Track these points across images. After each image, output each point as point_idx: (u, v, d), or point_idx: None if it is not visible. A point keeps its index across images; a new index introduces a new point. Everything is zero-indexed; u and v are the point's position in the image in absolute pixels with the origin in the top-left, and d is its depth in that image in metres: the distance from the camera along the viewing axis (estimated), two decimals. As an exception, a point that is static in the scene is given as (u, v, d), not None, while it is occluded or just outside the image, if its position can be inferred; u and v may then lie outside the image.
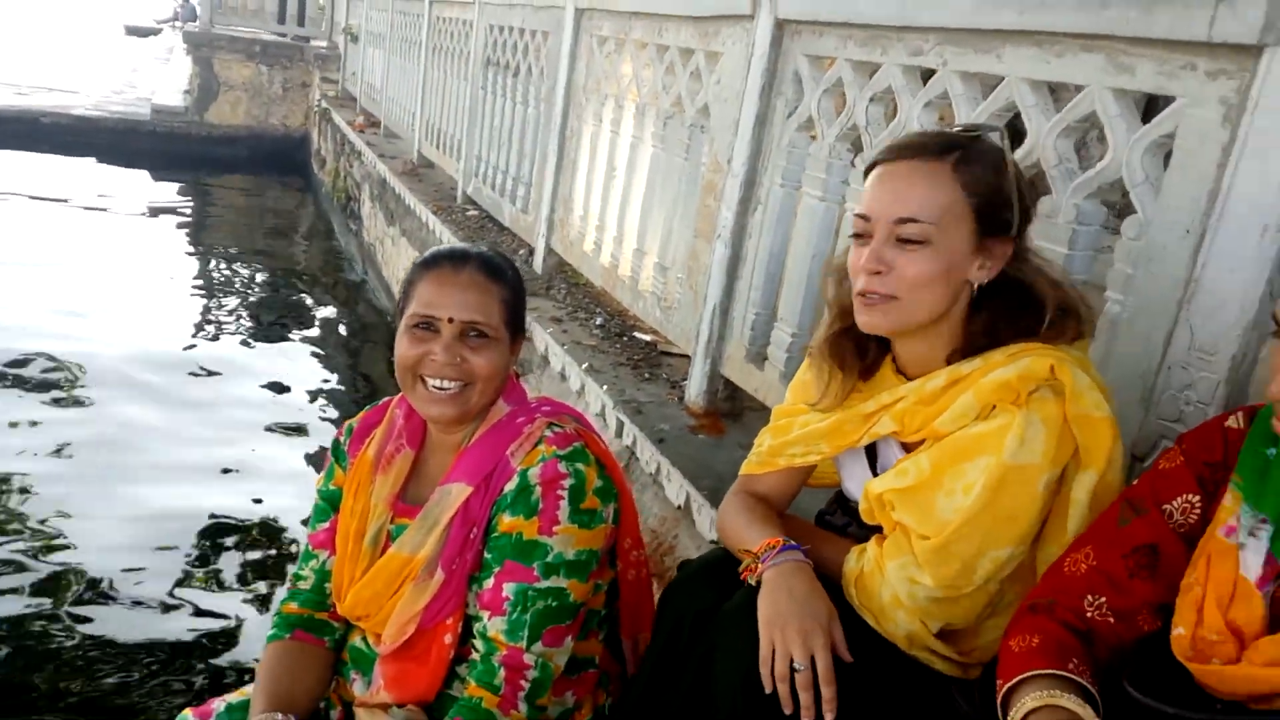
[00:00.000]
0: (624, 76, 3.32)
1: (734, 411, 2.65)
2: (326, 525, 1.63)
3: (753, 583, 1.33)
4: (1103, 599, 1.11)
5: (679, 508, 2.31)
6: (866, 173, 1.35)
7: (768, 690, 1.22)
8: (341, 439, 1.64)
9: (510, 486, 1.46)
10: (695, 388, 2.65)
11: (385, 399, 1.67)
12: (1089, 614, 1.11)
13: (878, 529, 1.40)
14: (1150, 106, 1.67)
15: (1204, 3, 1.34)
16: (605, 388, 2.77)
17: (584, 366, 2.93)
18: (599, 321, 3.33)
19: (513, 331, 1.54)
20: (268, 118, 12.54)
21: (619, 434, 2.66)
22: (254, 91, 12.47)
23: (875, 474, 1.42)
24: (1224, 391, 1.34)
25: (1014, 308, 1.29)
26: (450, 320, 1.46)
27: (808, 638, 1.21)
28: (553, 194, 3.86)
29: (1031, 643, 1.08)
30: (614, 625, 1.68)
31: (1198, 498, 1.10)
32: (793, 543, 1.35)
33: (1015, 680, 1.05)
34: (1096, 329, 1.50)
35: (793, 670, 1.20)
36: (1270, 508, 1.03)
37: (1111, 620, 1.11)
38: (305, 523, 1.87)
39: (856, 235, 1.31)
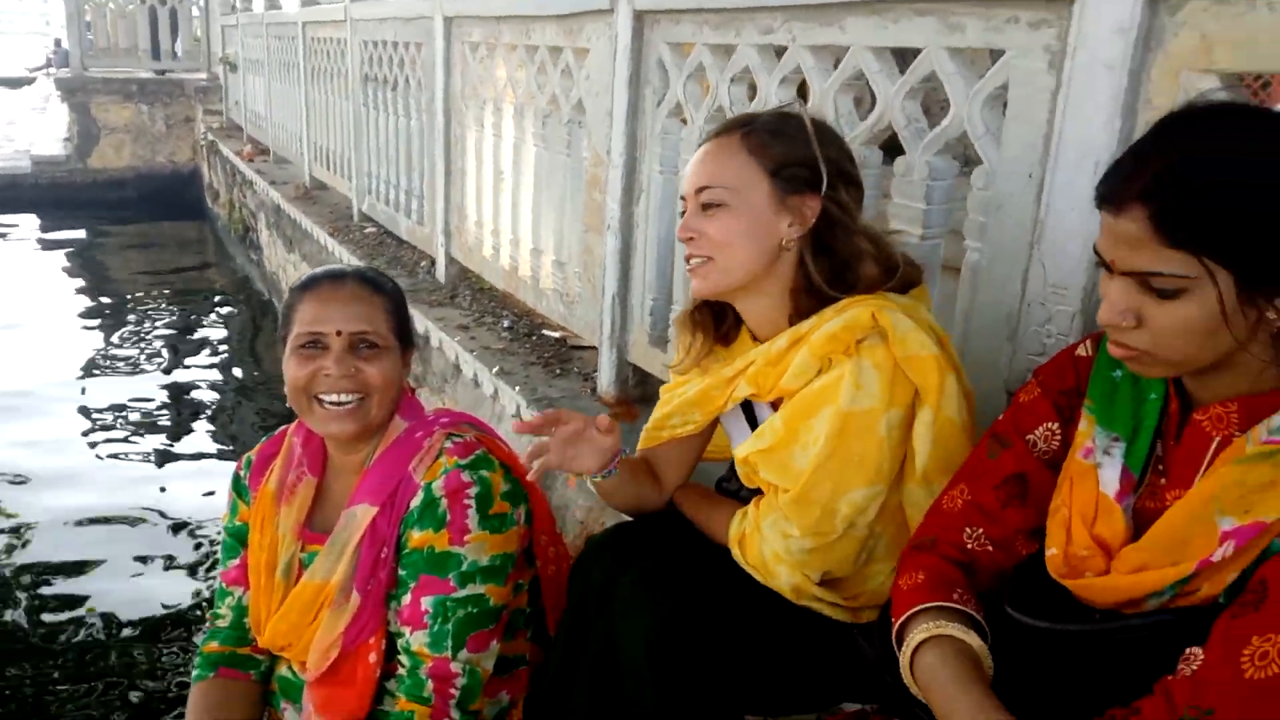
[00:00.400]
0: (499, 80, 3.32)
1: (646, 396, 2.69)
2: (237, 561, 1.62)
3: (595, 482, 1.54)
4: (980, 530, 1.18)
5: (601, 498, 2.34)
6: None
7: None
8: (241, 473, 1.63)
9: (416, 502, 1.47)
10: (605, 378, 2.69)
11: (281, 428, 1.66)
12: (969, 545, 1.18)
13: (759, 491, 1.46)
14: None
15: (1017, -41, 1.41)
16: (518, 389, 2.79)
17: (495, 370, 2.94)
18: (507, 324, 3.33)
19: (402, 343, 1.55)
20: (154, 157, 12.16)
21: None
22: (136, 132, 12.08)
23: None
24: (1079, 323, 1.42)
25: (838, 266, 1.39)
26: (338, 333, 1.46)
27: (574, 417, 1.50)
28: (446, 203, 3.84)
29: (917, 579, 1.14)
30: (541, 621, 1.71)
31: (1057, 425, 1.17)
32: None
33: (905, 616, 1.11)
34: (962, 276, 1.59)
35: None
36: (1121, 426, 1.10)
37: (990, 549, 1.18)
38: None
39: (681, 215, 1.43)
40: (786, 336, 1.39)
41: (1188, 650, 0.93)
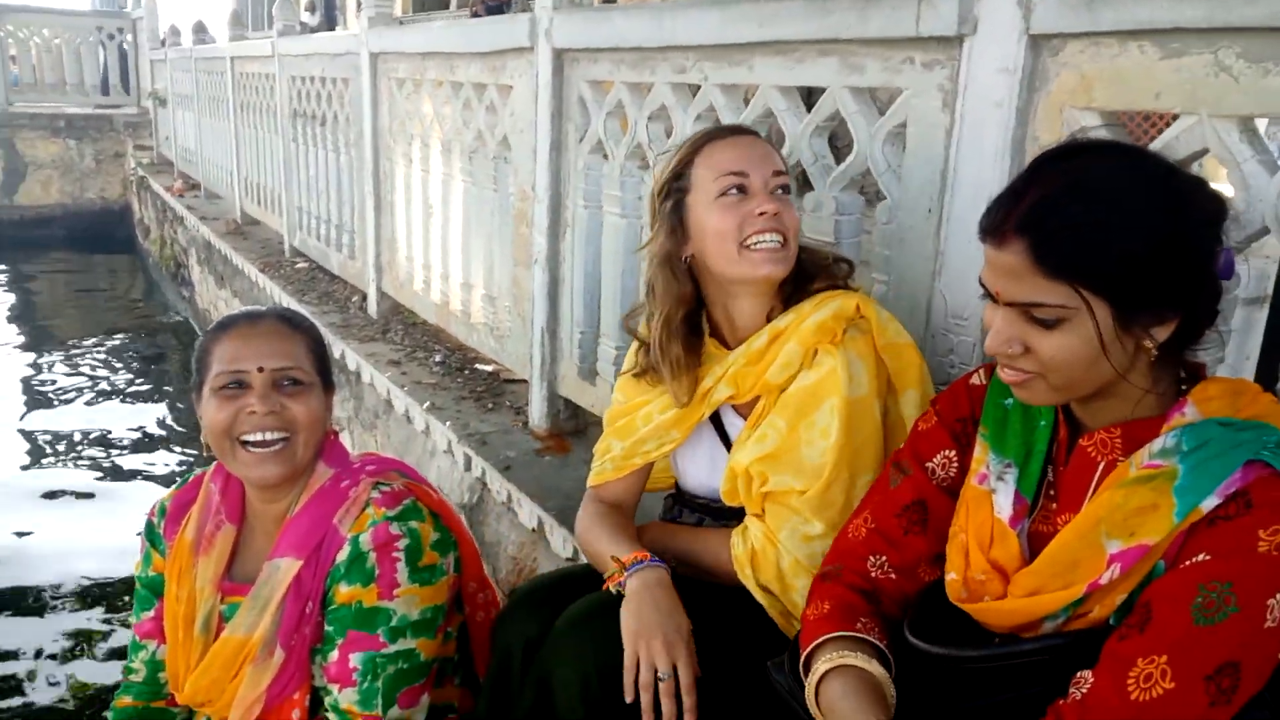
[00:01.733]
0: (426, 115, 3.33)
1: (577, 429, 2.70)
2: (151, 614, 1.58)
3: (613, 590, 1.38)
4: (883, 558, 1.21)
5: (533, 531, 2.34)
6: (698, 146, 1.44)
7: (629, 699, 1.27)
8: (154, 520, 1.59)
9: (342, 556, 1.42)
10: (537, 411, 2.69)
11: (197, 474, 1.62)
12: (873, 574, 1.21)
13: (734, 514, 1.46)
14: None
15: (909, 3, 1.47)
16: (449, 424, 2.78)
17: (426, 406, 2.93)
18: (439, 359, 3.32)
19: (324, 382, 1.52)
20: (83, 193, 11.87)
21: (468, 467, 2.67)
22: (64, 168, 11.78)
23: (728, 447, 1.48)
24: (980, 352, 1.47)
25: (805, 265, 1.44)
26: (260, 370, 1.43)
27: (672, 649, 1.27)
28: (376, 237, 3.83)
29: (824, 609, 1.17)
30: (470, 667, 1.69)
31: (954, 452, 1.21)
32: (656, 558, 1.42)
33: (811, 646, 1.13)
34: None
35: (658, 680, 1.27)
36: (1013, 452, 1.14)
37: (894, 576, 1.20)
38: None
39: (730, 191, 1.38)
40: (767, 333, 1.41)
41: (1079, 673, 0.96)
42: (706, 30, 1.89)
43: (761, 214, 1.35)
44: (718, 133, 1.46)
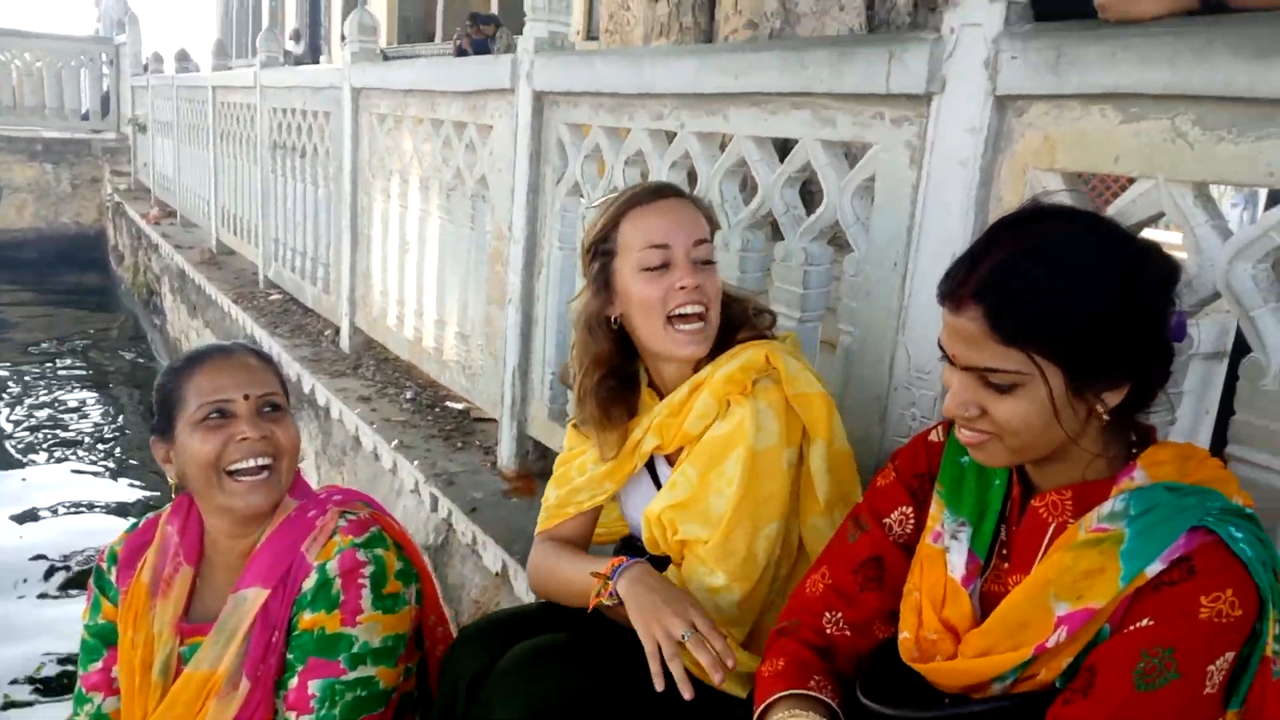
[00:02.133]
0: (406, 151, 3.34)
1: (545, 470, 2.66)
2: (99, 665, 1.54)
3: (607, 602, 1.36)
4: (839, 614, 1.20)
5: (497, 574, 2.32)
6: (624, 210, 1.44)
7: (660, 687, 1.23)
8: (105, 567, 1.55)
9: (309, 584, 1.42)
10: (506, 452, 2.67)
11: (149, 517, 1.60)
12: (828, 630, 1.20)
13: (665, 561, 1.46)
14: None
15: (880, 59, 1.50)
16: (416, 463, 2.76)
17: (394, 444, 2.91)
18: (409, 395, 3.30)
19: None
20: (57, 217, 11.78)
21: (434, 508, 2.65)
22: (40, 191, 11.70)
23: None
24: (941, 406, 1.48)
25: (731, 315, 1.47)
26: (246, 397, 1.44)
27: (682, 612, 1.26)
28: (352, 272, 3.82)
29: (778, 665, 1.16)
30: (428, 704, 1.67)
31: (911, 509, 1.21)
32: (631, 556, 1.41)
33: (765, 704, 1.12)
34: (836, 358, 1.65)
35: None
36: (968, 511, 1.14)
37: (849, 633, 1.20)
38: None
39: (653, 264, 1.40)
40: (687, 385, 1.44)
41: None
42: (683, 79, 1.91)
43: (682, 288, 1.38)
44: (644, 196, 1.46)
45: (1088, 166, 1.28)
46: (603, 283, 1.46)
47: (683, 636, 1.24)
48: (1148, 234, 1.28)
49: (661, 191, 1.47)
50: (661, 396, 1.50)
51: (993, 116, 1.37)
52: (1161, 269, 1.00)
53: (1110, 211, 1.24)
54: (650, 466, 1.53)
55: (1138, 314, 0.97)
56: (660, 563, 1.47)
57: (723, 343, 1.45)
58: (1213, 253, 1.14)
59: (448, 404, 3.20)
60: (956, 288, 1.01)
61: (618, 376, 1.50)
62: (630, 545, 1.62)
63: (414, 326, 3.33)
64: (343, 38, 3.84)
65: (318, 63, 16.90)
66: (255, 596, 1.43)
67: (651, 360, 1.50)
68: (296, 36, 18.46)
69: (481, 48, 10.60)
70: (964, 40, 1.38)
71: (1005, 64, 1.33)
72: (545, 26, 2.46)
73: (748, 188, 1.93)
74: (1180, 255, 1.15)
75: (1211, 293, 1.15)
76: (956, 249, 1.42)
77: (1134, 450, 1.04)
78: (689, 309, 1.39)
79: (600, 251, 1.46)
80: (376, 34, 3.80)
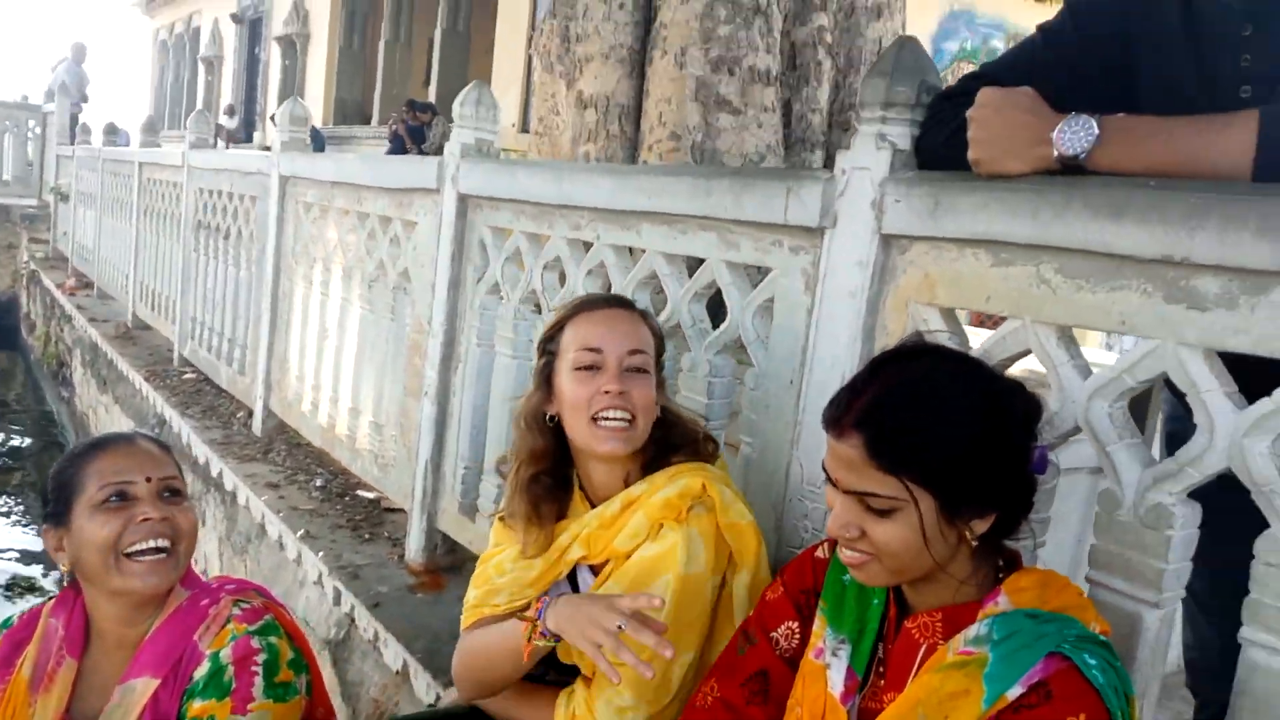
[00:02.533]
0: (330, 240, 3.37)
1: (454, 565, 2.66)
2: (-33, 767, 1.47)
3: (541, 644, 1.34)
4: (726, 727, 1.23)
5: (397, 673, 2.28)
6: (570, 314, 1.51)
7: (616, 681, 1.23)
8: (-21, 665, 1.51)
9: (201, 672, 1.40)
10: (414, 544, 2.65)
11: (30, 610, 1.56)
12: (716, 743, 1.23)
13: (574, 670, 1.46)
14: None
15: (779, 193, 1.60)
16: (321, 554, 2.71)
17: (300, 533, 2.86)
18: (320, 483, 3.26)
19: None
20: (-31, 280, 11.39)
21: (337, 601, 2.60)
22: (-47, 255, 11.33)
23: None
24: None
25: (671, 435, 1.50)
26: (148, 479, 1.45)
27: (610, 606, 1.25)
28: (269, 355, 3.79)
29: None
30: None
31: (796, 624, 1.25)
32: (549, 593, 1.43)
33: None
34: (737, 465, 1.70)
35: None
36: (848, 628, 1.19)
37: (736, 747, 1.22)
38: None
39: (582, 365, 1.45)
40: (620, 500, 1.45)
41: None
42: (600, 195, 2.00)
43: (607, 392, 1.42)
44: (591, 304, 1.53)
45: (963, 304, 1.38)
46: (545, 379, 1.51)
47: (619, 626, 1.24)
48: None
49: (610, 301, 1.55)
50: (592, 503, 1.52)
51: (879, 253, 1.47)
52: (1025, 407, 1.10)
53: (982, 348, 1.34)
54: (572, 574, 1.53)
55: (1003, 449, 1.06)
56: (571, 672, 1.47)
57: (660, 461, 1.48)
58: (1074, 391, 1.24)
59: (359, 493, 3.17)
60: (840, 416, 1.09)
61: (552, 475, 1.53)
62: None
63: (329, 413, 3.31)
64: (273, 118, 3.89)
65: (251, 139, 16.91)
66: (145, 686, 1.41)
67: (583, 463, 1.52)
68: (231, 112, 18.45)
69: (417, 134, 10.77)
70: (854, 182, 1.49)
71: (890, 206, 1.43)
72: (472, 134, 2.55)
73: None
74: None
75: (1072, 427, 1.24)
76: (845, 372, 1.51)
77: (1000, 575, 1.11)
78: (611, 414, 1.43)
79: (546, 350, 1.52)
80: (307, 124, 3.86)
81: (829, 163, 2.39)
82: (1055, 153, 1.21)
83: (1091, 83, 1.39)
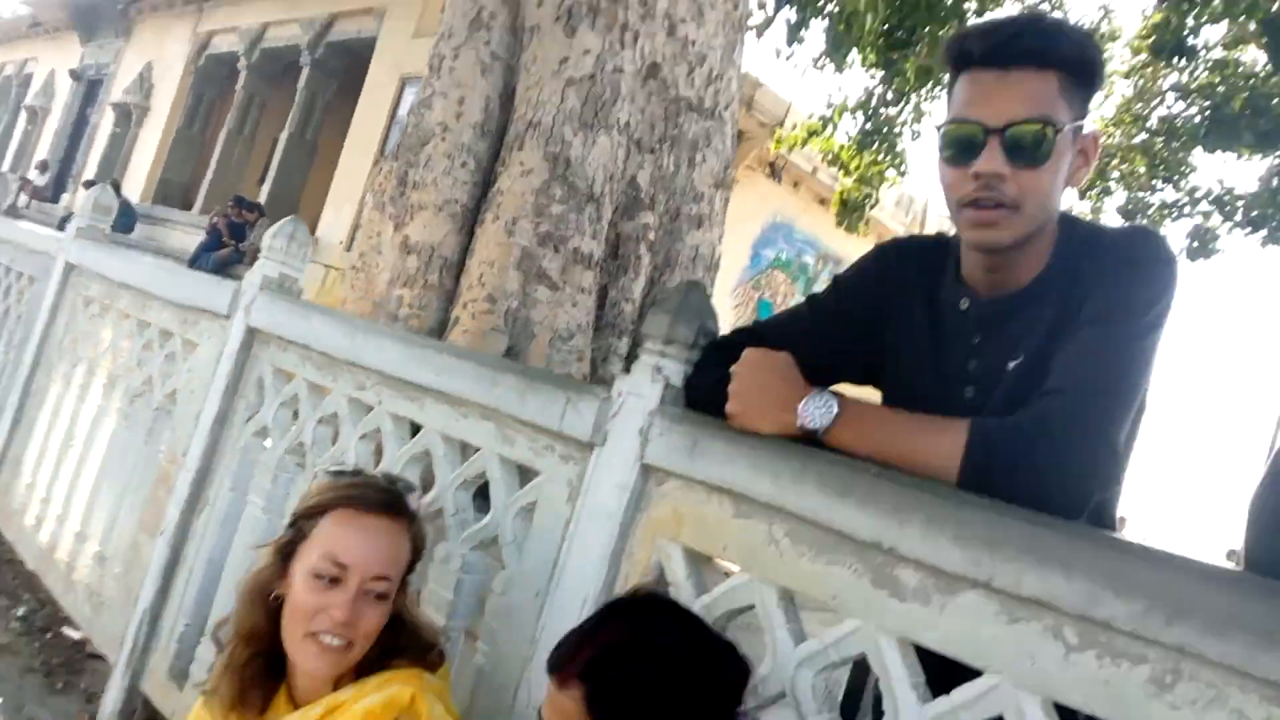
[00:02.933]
0: (103, 342, 3.14)
1: (152, 734, 2.39)
2: None
3: None
4: None
5: None
6: (335, 503, 1.42)
7: None
8: None
9: None
10: (110, 705, 2.37)
11: None
12: None
13: None
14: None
15: (559, 400, 1.62)
16: (1, 701, 2.37)
17: (-19, 671, 2.50)
18: (22, 612, 2.88)
19: None
20: None
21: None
22: None
23: None
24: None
25: (400, 638, 1.43)
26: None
27: None
28: (3, 455, 3.41)
29: None
30: None
31: None
32: None
33: None
34: (469, 674, 1.64)
35: None
36: None
37: None
38: None
39: (324, 578, 1.36)
40: (324, 704, 1.36)
41: None
42: (388, 360, 1.97)
43: (333, 617, 1.35)
44: (360, 501, 1.42)
45: (703, 548, 1.42)
46: (284, 556, 1.41)
47: None
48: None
49: (382, 506, 1.43)
50: (294, 702, 1.42)
51: (639, 479, 1.50)
52: (736, 673, 1.15)
53: (711, 598, 1.37)
54: None
55: (711, 713, 1.10)
56: None
57: (381, 663, 1.40)
58: (785, 655, 1.27)
59: (65, 630, 2.82)
60: (565, 663, 1.12)
61: (268, 659, 1.43)
62: None
63: (52, 532, 2.98)
64: (86, 184, 3.65)
65: (58, 200, 15.87)
66: None
67: (289, 658, 1.42)
68: (44, 167, 17.33)
69: (238, 231, 10.42)
70: (628, 405, 1.53)
71: (655, 437, 1.48)
72: (278, 268, 2.47)
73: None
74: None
75: (778, 692, 1.27)
76: (590, 594, 1.51)
77: None
78: (328, 638, 1.35)
79: (298, 525, 1.43)
80: (111, 214, 3.64)
81: (634, 350, 2.46)
82: (799, 423, 1.29)
83: (847, 356, 1.51)
